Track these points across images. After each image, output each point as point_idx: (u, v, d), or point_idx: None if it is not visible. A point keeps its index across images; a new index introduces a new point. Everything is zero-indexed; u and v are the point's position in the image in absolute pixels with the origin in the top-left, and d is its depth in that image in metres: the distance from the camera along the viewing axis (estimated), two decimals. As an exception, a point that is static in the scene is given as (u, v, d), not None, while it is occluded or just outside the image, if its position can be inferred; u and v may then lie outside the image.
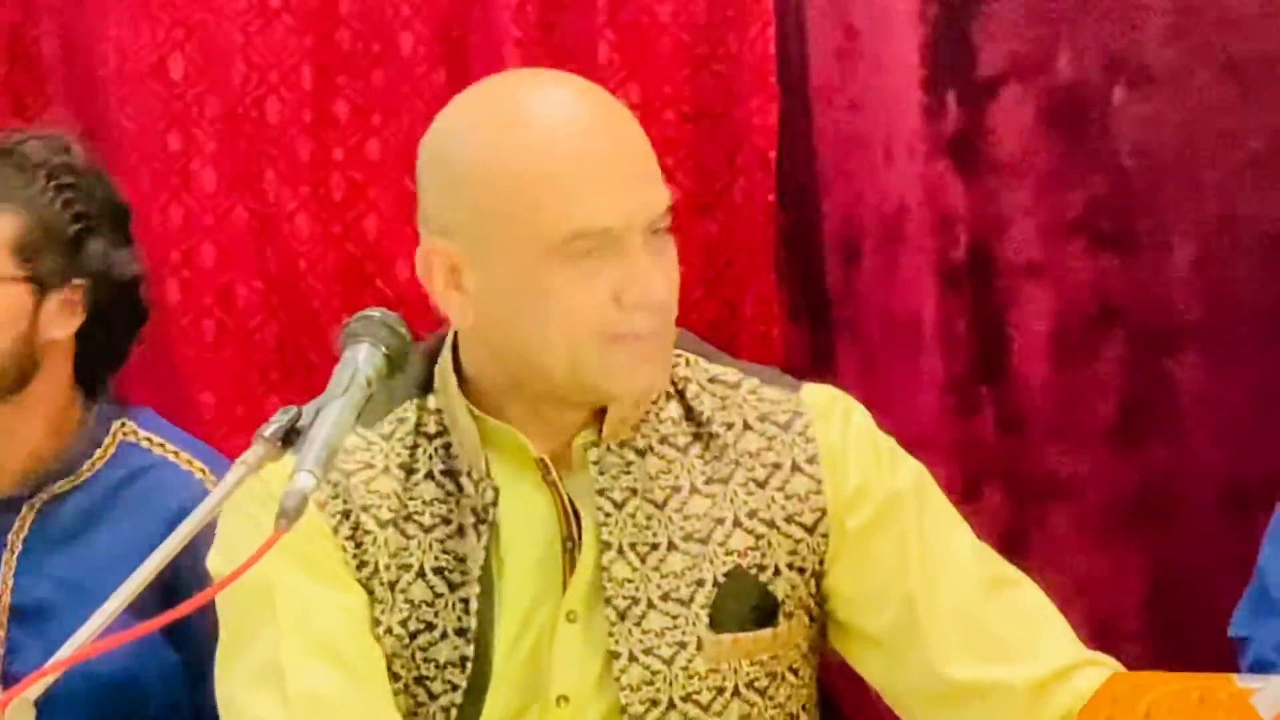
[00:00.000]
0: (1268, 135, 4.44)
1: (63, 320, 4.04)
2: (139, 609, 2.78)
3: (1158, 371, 4.56)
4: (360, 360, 3.02)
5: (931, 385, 4.61)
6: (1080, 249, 4.55)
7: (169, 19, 4.76)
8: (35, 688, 2.70)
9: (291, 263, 4.61)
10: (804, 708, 3.25)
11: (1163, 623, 4.46)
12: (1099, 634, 4.20)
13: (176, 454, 4.13)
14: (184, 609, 2.92)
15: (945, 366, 4.62)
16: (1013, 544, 4.10)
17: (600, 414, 3.16)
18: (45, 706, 2.68)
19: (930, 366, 4.61)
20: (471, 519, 3.16)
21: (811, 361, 4.53)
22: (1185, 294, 4.52)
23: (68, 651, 2.75)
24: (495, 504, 3.16)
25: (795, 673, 3.22)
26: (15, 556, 4.14)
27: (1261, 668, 3.70)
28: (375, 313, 3.04)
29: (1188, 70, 4.48)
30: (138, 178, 4.67)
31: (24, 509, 4.16)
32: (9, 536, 4.15)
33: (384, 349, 3.03)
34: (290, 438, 2.97)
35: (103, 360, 4.14)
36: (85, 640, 2.76)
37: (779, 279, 4.64)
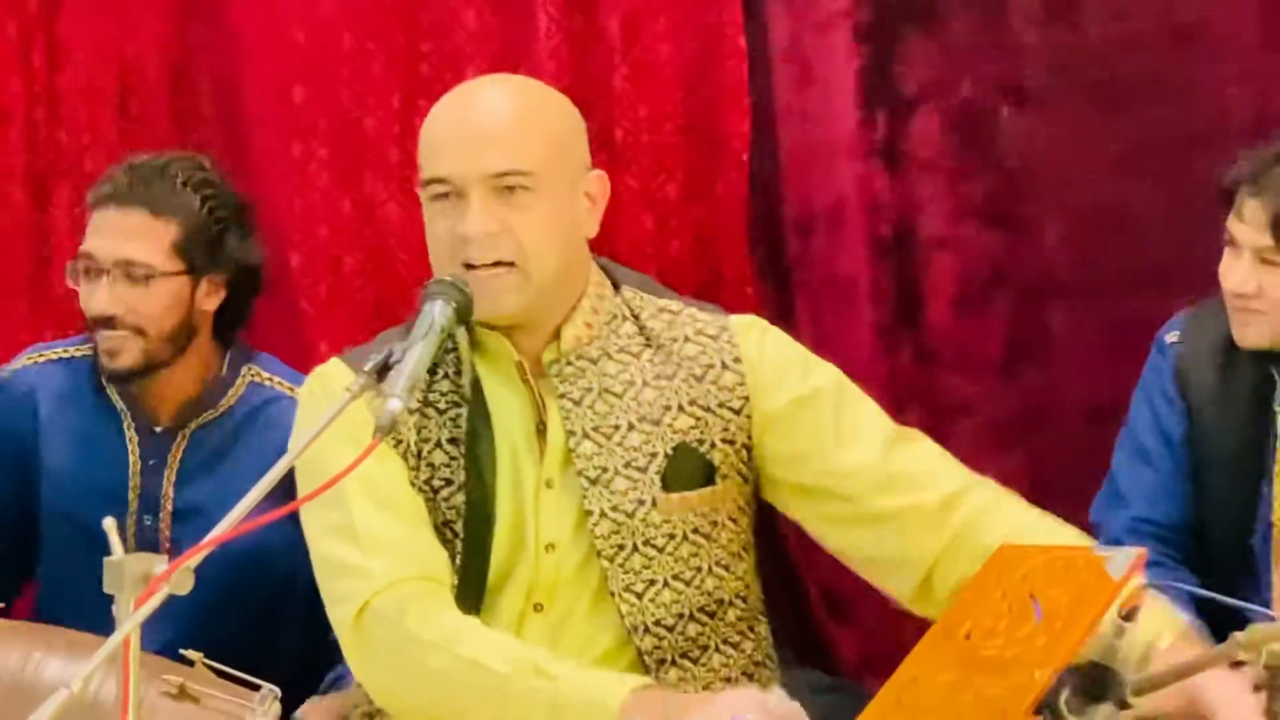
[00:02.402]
0: (1119, 143, 4.45)
1: (210, 299, 4.07)
2: (267, 501, 2.84)
3: (1035, 320, 4.58)
4: (435, 313, 3.03)
5: (865, 330, 4.63)
6: (976, 228, 4.58)
7: (293, 58, 4.77)
8: (194, 559, 2.75)
9: (384, 241, 4.62)
10: (743, 548, 3.24)
11: (1038, 504, 4.48)
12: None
13: (291, 389, 4.14)
14: (298, 502, 2.99)
15: (875, 316, 4.64)
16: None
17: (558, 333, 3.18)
18: (198, 573, 2.71)
19: (864, 316, 4.63)
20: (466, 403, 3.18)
21: (776, 313, 4.45)
22: (1055, 261, 4.55)
23: (217, 532, 2.80)
24: (476, 389, 3.17)
25: (734, 521, 3.22)
26: (175, 473, 4.15)
27: (1112, 544, 3.72)
28: (447, 277, 3.07)
29: (1059, 94, 4.50)
30: (269, 176, 4.70)
31: (179, 437, 4.17)
32: (169, 458, 4.16)
33: (453, 304, 3.05)
34: (384, 372, 2.98)
35: (235, 323, 4.16)
36: (230, 524, 2.80)
37: (751, 251, 4.66)
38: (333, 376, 3.22)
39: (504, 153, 3.11)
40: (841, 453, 3.18)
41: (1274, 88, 4.37)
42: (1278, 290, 3.90)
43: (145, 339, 4.02)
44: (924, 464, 3.20)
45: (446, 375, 3.17)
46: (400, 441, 3.15)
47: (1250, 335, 3.96)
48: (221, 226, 4.09)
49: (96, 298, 3.99)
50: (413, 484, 3.18)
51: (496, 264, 3.10)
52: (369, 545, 3.14)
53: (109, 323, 4.00)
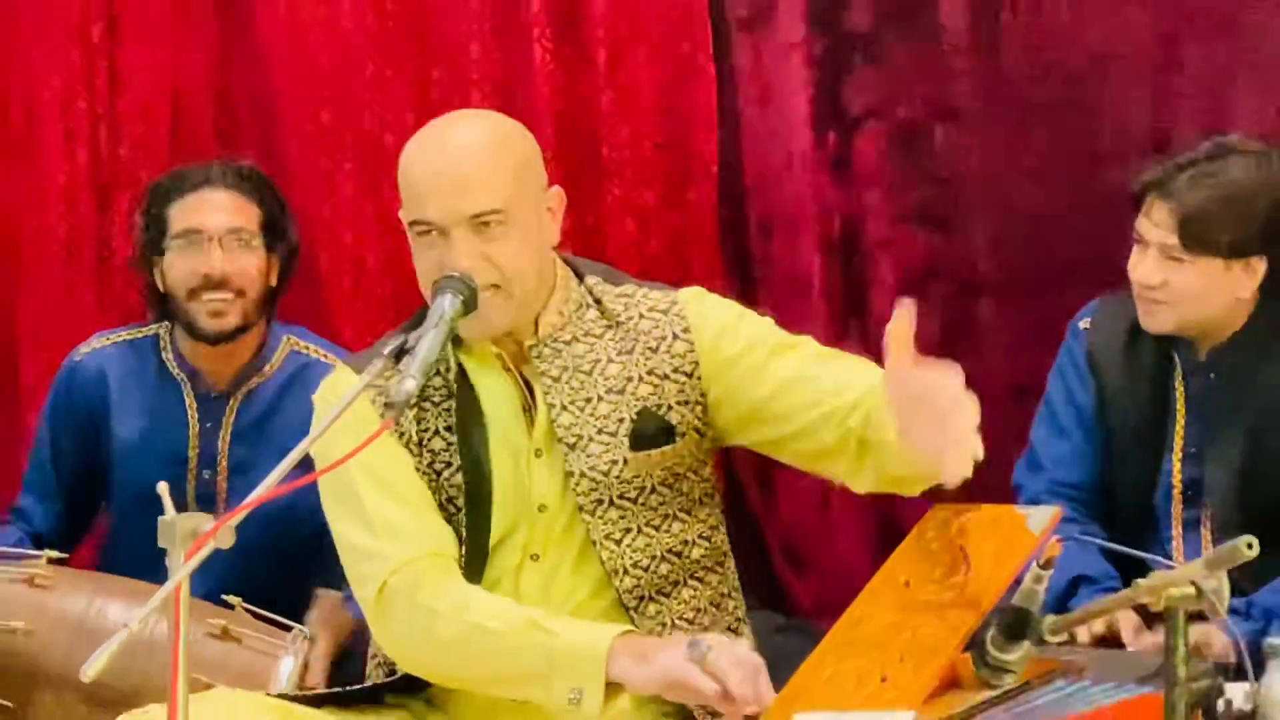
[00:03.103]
0: (1036, 157, 4.46)
1: (272, 274, 4.17)
2: (304, 462, 2.84)
3: (964, 309, 4.59)
4: (445, 305, 3.04)
5: (819, 319, 4.60)
6: (913, 230, 4.59)
7: (321, 84, 4.77)
8: (235, 519, 2.74)
9: (400, 242, 4.58)
10: (705, 495, 3.24)
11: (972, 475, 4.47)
12: (930, 483, 4.28)
13: (324, 355, 4.19)
14: (326, 469, 3.00)
15: (827, 307, 4.63)
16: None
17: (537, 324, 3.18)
18: (238, 530, 2.71)
19: (818, 307, 4.62)
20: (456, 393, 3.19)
21: (741, 305, 4.44)
22: (982, 259, 4.56)
23: (253, 497, 2.80)
24: (464, 381, 3.17)
25: (695, 472, 3.22)
26: (229, 433, 4.18)
27: (1032, 504, 3.72)
28: (455, 273, 3.08)
29: (984, 114, 4.51)
30: (301, 187, 4.67)
31: (232, 400, 4.19)
32: (224, 419, 4.19)
33: (460, 298, 3.06)
34: (400, 355, 3.02)
35: (276, 299, 4.20)
36: (264, 489, 2.80)
37: (719, 251, 4.64)
38: (341, 382, 3.22)
39: (478, 196, 3.09)
40: (771, 383, 3.17)
41: (1167, 108, 4.38)
42: (1180, 283, 3.90)
43: (244, 300, 4.11)
44: (850, 372, 3.15)
45: (439, 372, 3.16)
46: (403, 434, 3.16)
47: (1156, 322, 3.97)
48: (281, 214, 4.15)
49: (210, 261, 4.08)
50: (417, 470, 3.18)
51: (486, 287, 3.09)
52: (382, 531, 3.15)
53: (220, 285, 4.08)
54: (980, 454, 2.85)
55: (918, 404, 2.83)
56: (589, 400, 3.18)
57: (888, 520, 4.49)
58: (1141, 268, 3.93)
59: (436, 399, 3.17)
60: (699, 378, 3.19)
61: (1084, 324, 4.13)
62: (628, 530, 3.17)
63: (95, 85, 4.84)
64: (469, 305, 3.06)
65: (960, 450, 2.84)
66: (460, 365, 3.18)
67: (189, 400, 4.20)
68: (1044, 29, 4.45)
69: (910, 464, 2.92)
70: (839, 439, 3.08)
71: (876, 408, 2.99)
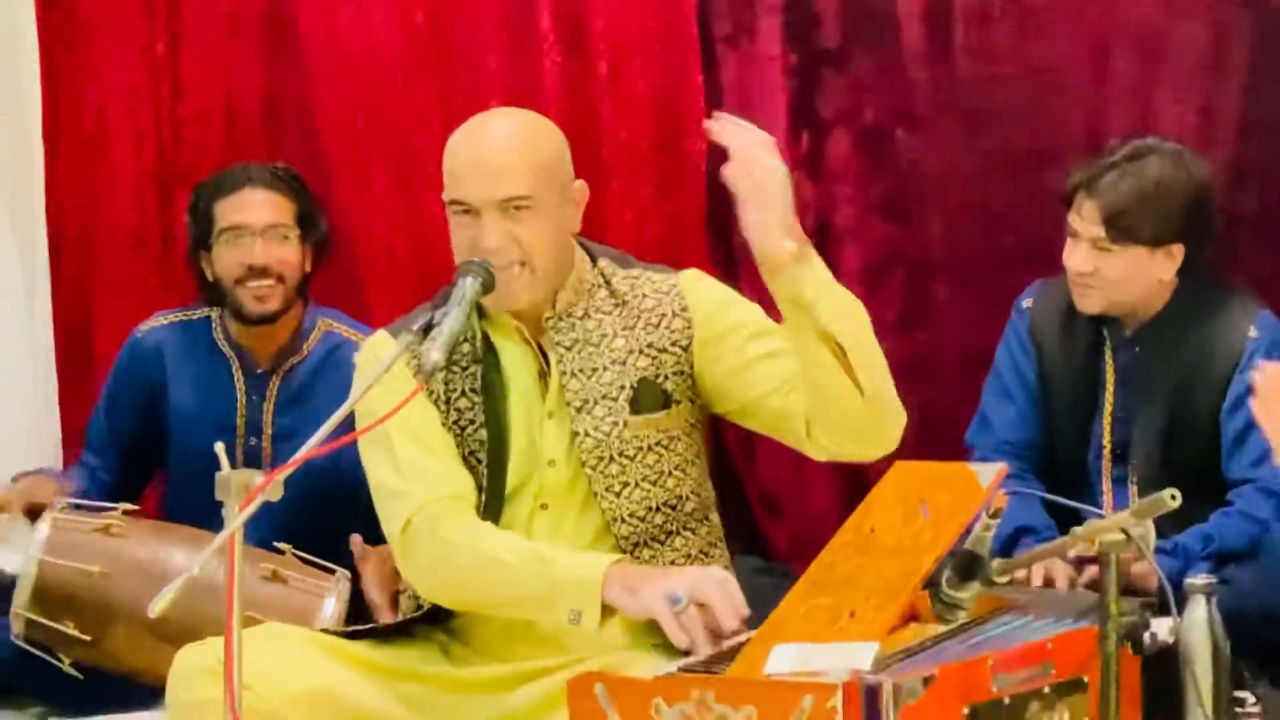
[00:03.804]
0: (986, 157, 4.44)
1: (307, 262, 4.18)
2: (344, 424, 2.83)
3: (922, 291, 4.55)
4: (467, 286, 3.05)
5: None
6: (878, 221, 4.55)
7: (357, 92, 4.74)
8: (282, 474, 2.74)
9: (427, 233, 4.57)
10: (696, 456, 3.24)
11: (929, 436, 4.45)
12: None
13: (355, 335, 4.19)
14: (369, 427, 2.99)
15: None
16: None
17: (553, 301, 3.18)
18: (287, 483, 2.71)
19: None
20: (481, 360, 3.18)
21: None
22: (937, 247, 4.53)
23: (300, 455, 2.79)
24: (486, 350, 3.17)
25: (687, 435, 3.22)
26: (272, 404, 4.18)
27: (982, 461, 3.73)
28: (476, 258, 3.09)
29: (940, 119, 4.48)
30: (339, 183, 4.67)
31: (274, 376, 4.20)
32: (267, 392, 4.19)
33: (480, 280, 3.07)
34: (428, 329, 3.00)
35: (309, 284, 4.22)
36: (309, 448, 2.79)
37: (706, 238, 4.60)
38: (380, 344, 3.23)
39: (509, 183, 3.09)
40: (745, 360, 3.17)
41: (1102, 113, 4.36)
42: (1109, 270, 3.91)
43: (284, 285, 4.14)
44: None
45: (467, 340, 3.16)
46: (432, 393, 3.16)
47: (1087, 304, 3.97)
48: (313, 208, 4.16)
49: (253, 253, 4.09)
50: (444, 425, 3.18)
51: (512, 264, 3.10)
52: (410, 474, 3.15)
53: (263, 273, 4.09)
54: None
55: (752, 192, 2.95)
56: (595, 369, 3.18)
57: (855, 475, 4.46)
58: (1074, 257, 3.93)
59: (464, 364, 3.17)
60: (693, 351, 3.19)
61: (1026, 303, 4.13)
62: (626, 484, 3.17)
63: (159, 95, 4.83)
64: (488, 286, 3.07)
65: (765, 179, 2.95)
66: (485, 335, 3.19)
67: (237, 376, 4.20)
68: (990, 45, 4.43)
69: (812, 382, 2.99)
70: (792, 410, 3.09)
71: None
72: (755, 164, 2.97)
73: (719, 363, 3.19)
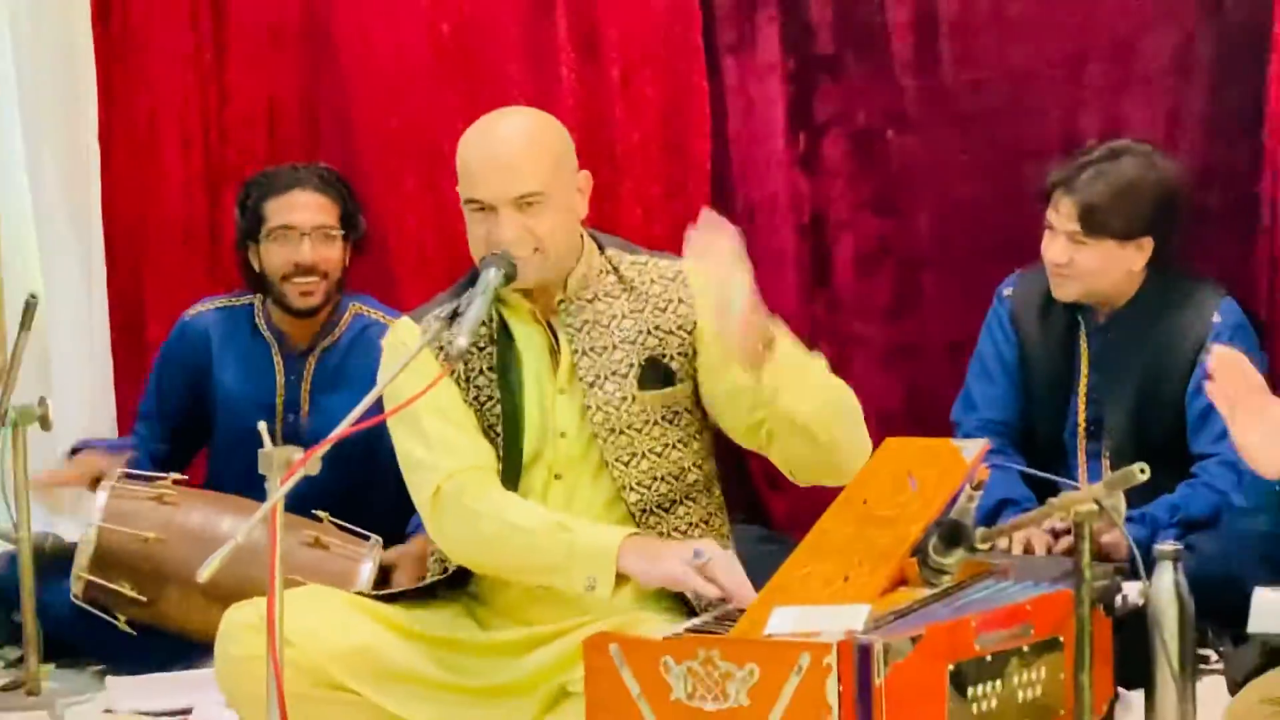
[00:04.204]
0: (970, 156, 4.43)
1: (347, 256, 4.18)
2: (374, 407, 2.84)
3: (910, 280, 4.54)
4: (490, 276, 3.05)
5: (791, 289, 4.57)
6: (870, 215, 4.54)
7: (389, 96, 4.74)
8: (320, 451, 2.74)
9: (454, 227, 4.56)
10: (699, 431, 3.22)
11: (914, 415, 4.47)
12: (877, 424, 4.28)
13: (384, 317, 4.18)
14: (399, 406, 2.98)
15: (798, 279, 4.59)
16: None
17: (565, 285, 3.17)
18: (323, 459, 2.71)
19: (790, 278, 4.57)
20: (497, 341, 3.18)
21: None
22: (925, 239, 4.52)
23: (335, 433, 2.79)
24: (502, 332, 3.16)
25: (690, 411, 3.20)
26: (309, 383, 4.19)
27: (966, 438, 3.71)
28: (499, 250, 3.09)
29: (928, 121, 4.47)
30: (373, 181, 4.66)
31: (310, 357, 4.20)
32: (304, 373, 4.20)
33: (503, 271, 3.07)
34: (453, 317, 3.03)
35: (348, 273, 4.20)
36: (344, 427, 2.80)
37: None
38: (405, 330, 3.22)
39: (521, 180, 3.08)
40: (724, 386, 3.14)
41: (1077, 116, 4.35)
42: (1084, 261, 3.91)
43: (327, 281, 4.15)
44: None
45: (485, 323, 3.14)
46: (454, 372, 3.14)
47: (1064, 292, 3.98)
48: (354, 208, 4.16)
49: (301, 252, 4.10)
50: (465, 401, 3.17)
51: (527, 253, 3.09)
52: (437, 446, 3.14)
53: (309, 270, 4.10)
54: (767, 332, 2.89)
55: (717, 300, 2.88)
56: (605, 348, 3.17)
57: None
58: (1052, 249, 3.94)
59: (481, 344, 3.15)
60: (694, 335, 3.18)
61: (1007, 292, 4.13)
62: (634, 454, 3.16)
63: (206, 100, 4.83)
64: (510, 277, 3.07)
65: (743, 326, 2.86)
66: (501, 317, 3.18)
67: (276, 357, 4.21)
68: (974, 53, 4.42)
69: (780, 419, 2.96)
70: (754, 422, 3.08)
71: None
72: (723, 281, 2.89)
73: (707, 350, 3.18)
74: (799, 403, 2.98)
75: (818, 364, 3.03)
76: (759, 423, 3.07)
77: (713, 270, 2.90)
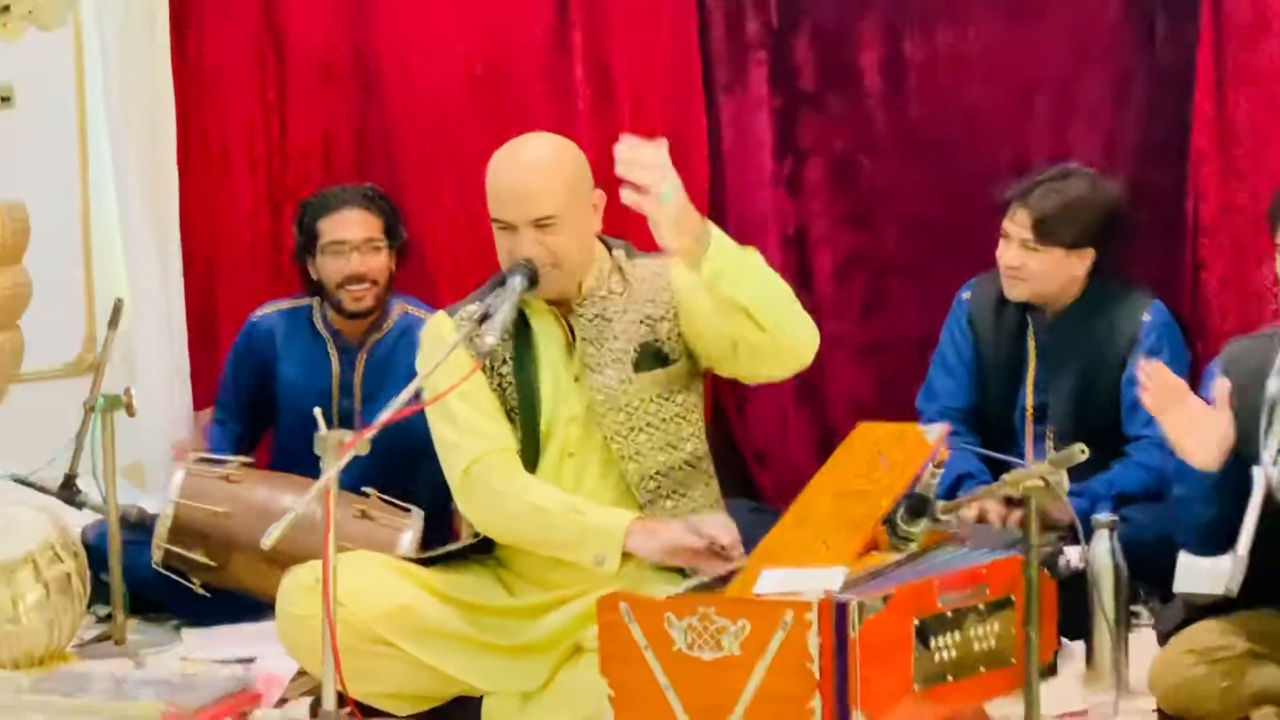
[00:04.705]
0: (933, 178, 4.39)
1: (391, 263, 4.17)
2: (417, 393, 2.83)
3: (881, 287, 4.50)
4: (516, 281, 3.05)
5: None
6: (846, 230, 4.50)
7: (429, 127, 4.70)
8: (368, 434, 2.74)
9: (485, 240, 4.55)
10: (692, 408, 3.21)
11: (884, 403, 4.44)
12: (851, 410, 4.26)
13: (425, 315, 4.14)
14: (437, 397, 3.00)
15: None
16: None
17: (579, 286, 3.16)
18: (374, 442, 2.71)
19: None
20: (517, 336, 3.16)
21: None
22: (894, 251, 4.48)
23: (381, 419, 2.79)
24: (523, 327, 3.15)
25: (685, 390, 3.20)
26: (360, 374, 4.18)
27: (929, 423, 3.69)
28: (523, 258, 3.08)
29: (896, 149, 4.44)
30: (415, 201, 4.62)
31: (361, 350, 4.20)
32: (356, 364, 4.21)
33: (527, 278, 3.07)
34: (484, 319, 3.02)
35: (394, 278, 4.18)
36: (389, 413, 2.79)
37: None
38: (440, 324, 3.22)
39: (538, 204, 3.07)
40: (700, 327, 3.13)
41: (1026, 142, 4.32)
42: (1034, 266, 3.91)
43: (376, 287, 4.14)
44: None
45: (514, 321, 3.12)
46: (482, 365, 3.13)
47: (1015, 293, 3.97)
48: (397, 222, 4.15)
49: (352, 264, 4.08)
50: (490, 388, 3.16)
51: (545, 266, 3.08)
52: (466, 430, 3.14)
53: (359, 279, 4.08)
54: (697, 225, 2.87)
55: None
56: (607, 339, 3.16)
57: (827, 433, 4.48)
58: (1007, 254, 3.93)
59: (504, 339, 3.13)
60: (679, 319, 3.17)
61: (966, 294, 4.13)
62: (632, 429, 3.15)
63: (270, 130, 4.81)
64: (533, 282, 3.07)
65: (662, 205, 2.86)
66: (523, 315, 3.17)
67: (332, 351, 4.20)
68: (935, 89, 4.39)
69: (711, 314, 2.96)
70: (721, 340, 3.04)
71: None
72: (651, 181, 2.86)
73: (690, 318, 3.16)
74: (738, 287, 2.93)
75: (753, 255, 3.00)
76: (730, 341, 3.02)
77: (643, 175, 2.85)
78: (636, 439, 3.16)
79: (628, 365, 3.15)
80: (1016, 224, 3.90)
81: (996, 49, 4.33)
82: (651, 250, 3.11)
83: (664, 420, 3.18)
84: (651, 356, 3.16)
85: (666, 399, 3.18)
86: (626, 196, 2.89)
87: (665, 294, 3.17)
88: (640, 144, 2.90)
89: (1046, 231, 3.86)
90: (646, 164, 2.87)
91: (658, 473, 3.17)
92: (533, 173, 3.10)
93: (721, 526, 3.00)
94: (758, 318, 2.93)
